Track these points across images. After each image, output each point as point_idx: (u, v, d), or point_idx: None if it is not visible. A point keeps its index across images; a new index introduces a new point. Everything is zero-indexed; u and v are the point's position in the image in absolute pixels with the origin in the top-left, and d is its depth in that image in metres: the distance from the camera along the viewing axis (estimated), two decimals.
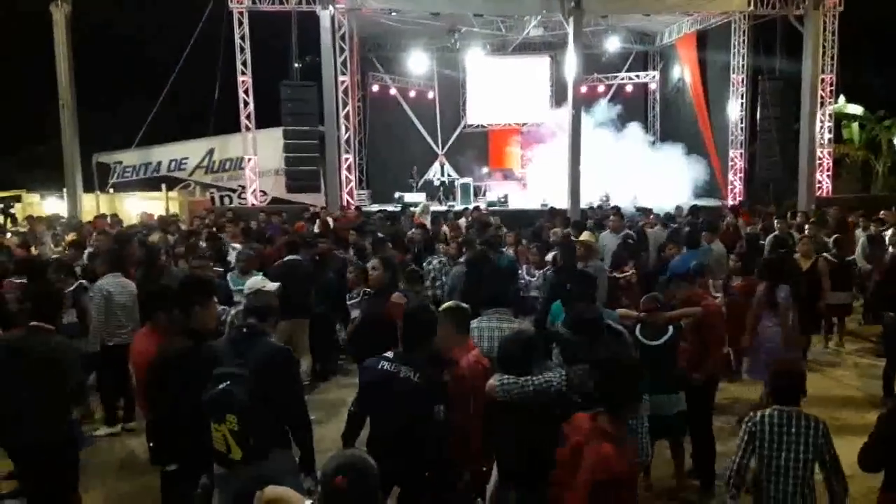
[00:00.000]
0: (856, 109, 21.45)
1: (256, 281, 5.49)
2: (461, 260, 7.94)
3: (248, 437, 3.41)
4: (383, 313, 5.59)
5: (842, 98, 20.29)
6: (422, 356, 3.66)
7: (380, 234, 9.72)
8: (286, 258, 7.84)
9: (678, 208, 13.40)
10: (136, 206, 16.33)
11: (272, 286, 5.44)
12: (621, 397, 3.01)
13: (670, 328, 5.02)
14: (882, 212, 11.58)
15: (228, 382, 3.42)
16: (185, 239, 9.55)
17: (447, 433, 3.63)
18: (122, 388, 6.51)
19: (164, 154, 20.43)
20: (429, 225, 12.35)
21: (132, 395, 6.24)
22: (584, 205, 16.57)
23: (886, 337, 7.48)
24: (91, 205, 16.35)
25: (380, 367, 3.69)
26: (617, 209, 13.19)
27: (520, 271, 7.88)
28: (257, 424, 3.44)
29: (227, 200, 20.30)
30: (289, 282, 6.22)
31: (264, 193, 19.53)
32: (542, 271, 7.61)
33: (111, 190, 19.04)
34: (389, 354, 3.74)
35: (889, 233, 9.67)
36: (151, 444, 4.12)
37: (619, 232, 10.01)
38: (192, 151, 20.50)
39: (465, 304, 4.20)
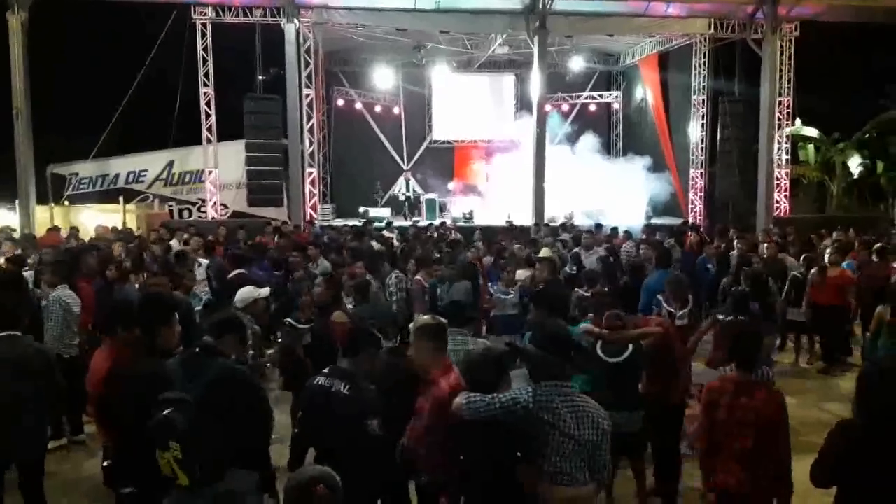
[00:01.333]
0: (811, 132, 22.02)
1: (248, 291, 5.39)
2: (414, 276, 7.92)
3: (194, 465, 3.28)
4: (324, 332, 5.51)
5: (798, 121, 20.82)
6: (361, 370, 3.63)
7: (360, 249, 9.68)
8: (233, 273, 7.64)
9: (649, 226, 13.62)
10: (92, 219, 15.89)
11: (264, 292, 5.34)
12: (753, 354, 3.90)
13: (630, 346, 5.00)
14: (835, 233, 11.85)
15: (172, 409, 3.29)
16: (136, 254, 9.29)
17: (387, 448, 3.57)
18: (74, 401, 6.30)
19: (122, 166, 20.03)
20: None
21: (82, 408, 6.20)
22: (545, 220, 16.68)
23: None
24: (45, 217, 15.88)
25: (315, 382, 3.67)
26: (598, 226, 13.39)
27: (492, 289, 7.81)
28: (204, 452, 3.30)
29: (186, 213, 19.96)
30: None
31: (225, 207, 19.24)
32: (516, 288, 7.57)
33: (66, 202, 18.55)
34: (326, 370, 3.72)
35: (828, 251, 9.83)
36: (105, 465, 3.98)
37: (590, 249, 10.08)
38: (151, 163, 20.14)
39: (442, 319, 4.05)
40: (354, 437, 3.45)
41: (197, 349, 3.71)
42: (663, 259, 8.18)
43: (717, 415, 3.81)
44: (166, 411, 3.30)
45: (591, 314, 5.75)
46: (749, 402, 3.73)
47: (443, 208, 21.05)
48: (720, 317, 6.42)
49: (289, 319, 6.30)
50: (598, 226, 13.93)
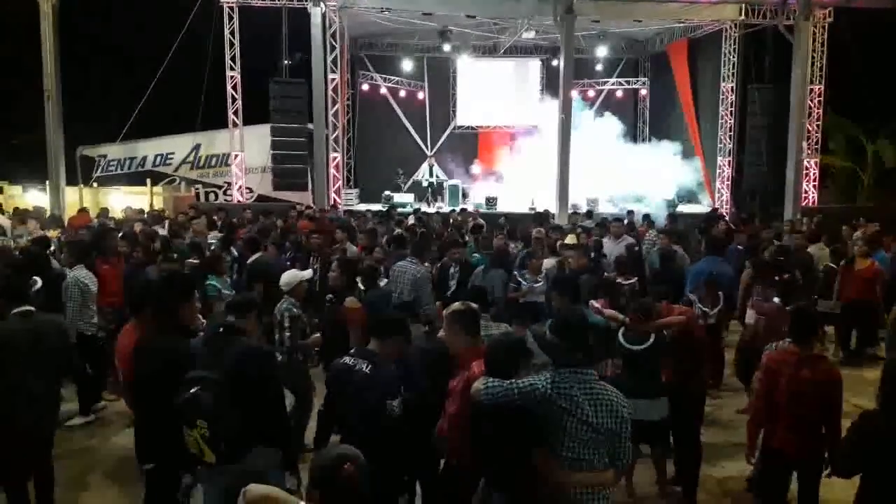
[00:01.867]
0: (843, 120, 21.59)
1: (292, 274, 5.50)
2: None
3: (220, 443, 3.35)
4: (335, 318, 5.56)
5: (829, 108, 20.42)
6: (388, 353, 3.69)
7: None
8: (252, 258, 7.69)
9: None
10: (120, 201, 16.17)
11: (307, 274, 5.43)
12: (809, 331, 4.24)
13: (653, 335, 4.98)
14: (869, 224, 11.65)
15: (199, 388, 3.35)
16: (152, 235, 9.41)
17: (410, 429, 3.61)
18: (94, 374, 6.64)
19: (149, 148, 20.25)
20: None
21: (102, 381, 6.77)
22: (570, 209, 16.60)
23: None
24: (74, 198, 16.16)
25: (341, 361, 3.74)
26: (630, 213, 13.30)
27: (520, 277, 7.79)
28: (230, 429, 3.37)
29: (212, 197, 20.16)
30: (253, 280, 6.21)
31: (250, 190, 19.41)
32: (543, 275, 7.58)
33: (95, 184, 18.82)
34: (353, 350, 3.81)
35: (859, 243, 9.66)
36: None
37: (620, 237, 10.01)
38: (178, 146, 20.33)
39: (474, 305, 4.09)
40: (374, 417, 3.49)
41: (221, 328, 3.77)
42: (716, 246, 8.15)
43: (779, 383, 4.20)
44: (193, 389, 3.37)
45: (591, 300, 5.75)
46: (811, 375, 4.10)
47: (466, 194, 21.00)
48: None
49: (331, 295, 6.38)
50: (630, 212, 13.87)
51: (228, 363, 3.49)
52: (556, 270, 7.58)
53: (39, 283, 6.00)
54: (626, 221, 11.89)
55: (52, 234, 10.62)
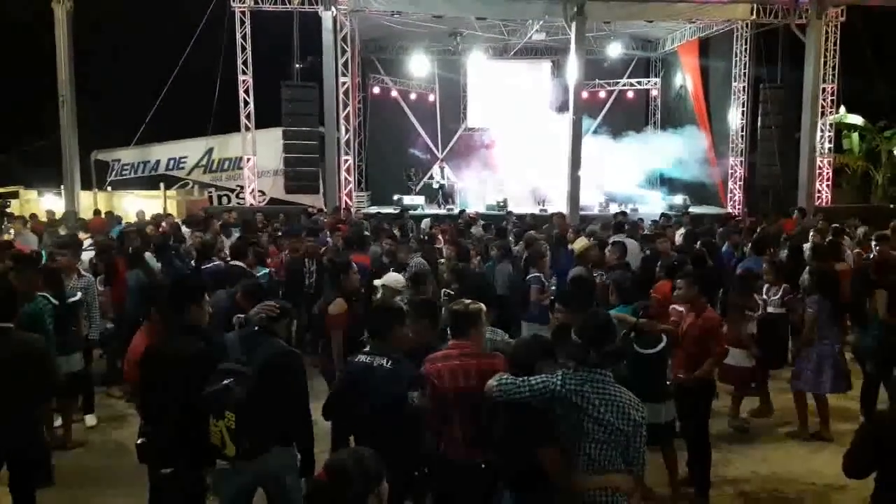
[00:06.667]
0: (856, 119, 21.42)
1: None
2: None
3: (244, 436, 3.44)
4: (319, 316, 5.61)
5: (842, 108, 20.29)
6: (392, 348, 3.73)
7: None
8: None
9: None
10: (134, 205, 16.31)
11: None
12: None
13: (664, 338, 4.97)
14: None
15: (231, 380, 3.44)
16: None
17: (422, 424, 3.65)
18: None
19: (162, 152, 20.44)
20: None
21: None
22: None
23: None
24: (89, 202, 16.33)
25: (358, 359, 3.78)
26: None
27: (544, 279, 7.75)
28: (255, 424, 3.47)
29: (225, 200, 20.30)
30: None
31: (263, 194, 19.52)
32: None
33: (109, 188, 19.01)
34: (367, 348, 3.83)
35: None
36: (139, 442, 4.06)
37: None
38: (191, 150, 20.51)
39: (456, 305, 4.00)
40: (395, 411, 3.51)
41: (256, 327, 3.86)
42: (759, 246, 8.18)
43: None
44: (226, 381, 3.45)
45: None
46: None
47: (473, 196, 20.98)
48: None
49: None
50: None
51: (261, 360, 3.60)
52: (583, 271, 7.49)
53: None
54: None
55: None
